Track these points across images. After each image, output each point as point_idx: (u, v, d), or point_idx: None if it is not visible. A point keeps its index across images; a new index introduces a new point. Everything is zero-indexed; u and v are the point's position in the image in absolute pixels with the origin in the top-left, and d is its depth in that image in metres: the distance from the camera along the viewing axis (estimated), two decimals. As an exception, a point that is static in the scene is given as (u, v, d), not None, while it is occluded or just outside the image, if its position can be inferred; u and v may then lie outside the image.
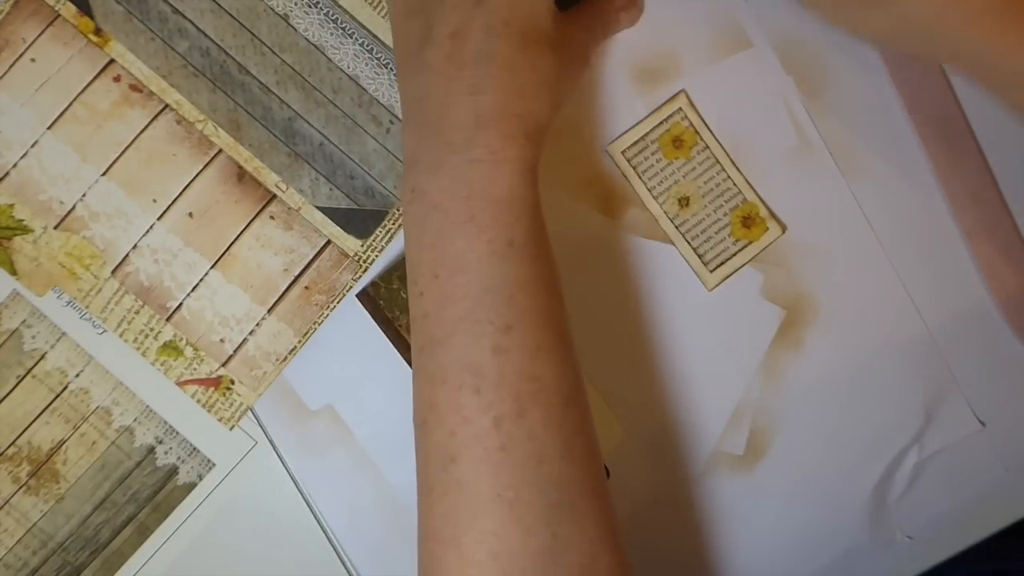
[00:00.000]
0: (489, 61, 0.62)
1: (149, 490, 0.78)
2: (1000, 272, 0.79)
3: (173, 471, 0.78)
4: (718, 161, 0.77)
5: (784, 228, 0.78)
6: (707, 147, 0.77)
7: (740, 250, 0.78)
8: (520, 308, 0.62)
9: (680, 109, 0.77)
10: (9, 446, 0.77)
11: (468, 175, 0.62)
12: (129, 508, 0.78)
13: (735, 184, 0.77)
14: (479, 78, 0.62)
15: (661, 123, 0.77)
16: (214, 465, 0.78)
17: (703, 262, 0.78)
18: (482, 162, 0.62)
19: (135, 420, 0.77)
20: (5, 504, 0.77)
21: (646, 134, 0.77)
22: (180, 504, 0.78)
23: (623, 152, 0.77)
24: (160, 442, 0.77)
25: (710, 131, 0.77)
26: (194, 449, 0.78)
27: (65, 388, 0.77)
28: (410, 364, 0.74)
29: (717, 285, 0.78)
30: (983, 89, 0.66)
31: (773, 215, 0.78)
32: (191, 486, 0.78)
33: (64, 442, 0.77)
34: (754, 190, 0.78)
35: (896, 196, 0.78)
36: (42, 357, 0.76)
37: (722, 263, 0.78)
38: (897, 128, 0.78)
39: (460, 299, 0.62)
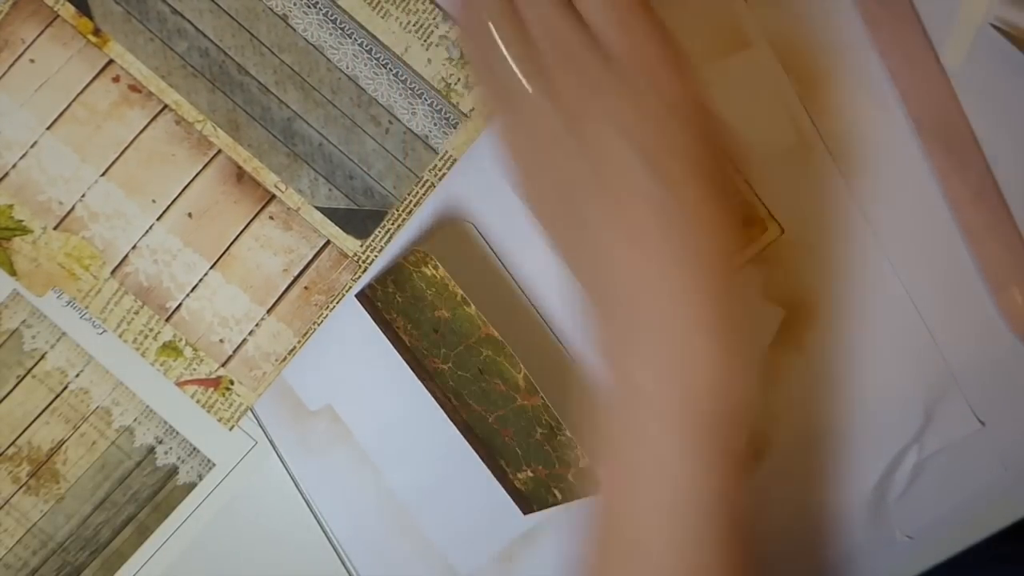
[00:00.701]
0: (680, 215, 0.56)
1: (149, 490, 0.78)
2: (1000, 271, 0.79)
3: (173, 471, 0.78)
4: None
5: (783, 229, 0.78)
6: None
7: (739, 250, 0.78)
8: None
9: (679, 109, 0.77)
10: (9, 446, 0.77)
11: (674, 474, 0.57)
12: (129, 508, 0.78)
13: (733, 184, 0.78)
14: (666, 236, 0.57)
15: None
16: (214, 465, 0.78)
17: (702, 262, 0.78)
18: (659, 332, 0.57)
19: (135, 420, 0.77)
20: (5, 504, 0.77)
21: (645, 134, 0.77)
22: (180, 504, 0.79)
23: (622, 152, 0.77)
24: (160, 442, 0.78)
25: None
26: (194, 449, 0.78)
27: (65, 388, 0.77)
28: (409, 365, 0.75)
29: (716, 285, 0.78)
30: None
31: (772, 215, 0.78)
32: (191, 486, 0.78)
33: (64, 442, 0.77)
34: (753, 190, 0.78)
35: (896, 196, 0.78)
36: (42, 357, 0.77)
37: (721, 263, 0.78)
38: (897, 128, 0.79)
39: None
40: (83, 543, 0.78)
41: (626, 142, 0.56)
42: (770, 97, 0.78)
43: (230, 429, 0.77)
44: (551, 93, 0.58)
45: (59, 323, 0.76)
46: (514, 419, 0.75)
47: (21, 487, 0.77)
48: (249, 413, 0.77)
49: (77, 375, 0.77)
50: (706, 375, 0.56)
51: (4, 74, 0.74)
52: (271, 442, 0.78)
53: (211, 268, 0.75)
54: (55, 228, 0.74)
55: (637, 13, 0.58)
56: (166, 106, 0.74)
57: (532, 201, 0.64)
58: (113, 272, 0.75)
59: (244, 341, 0.76)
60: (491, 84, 0.62)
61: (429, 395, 0.76)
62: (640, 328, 0.57)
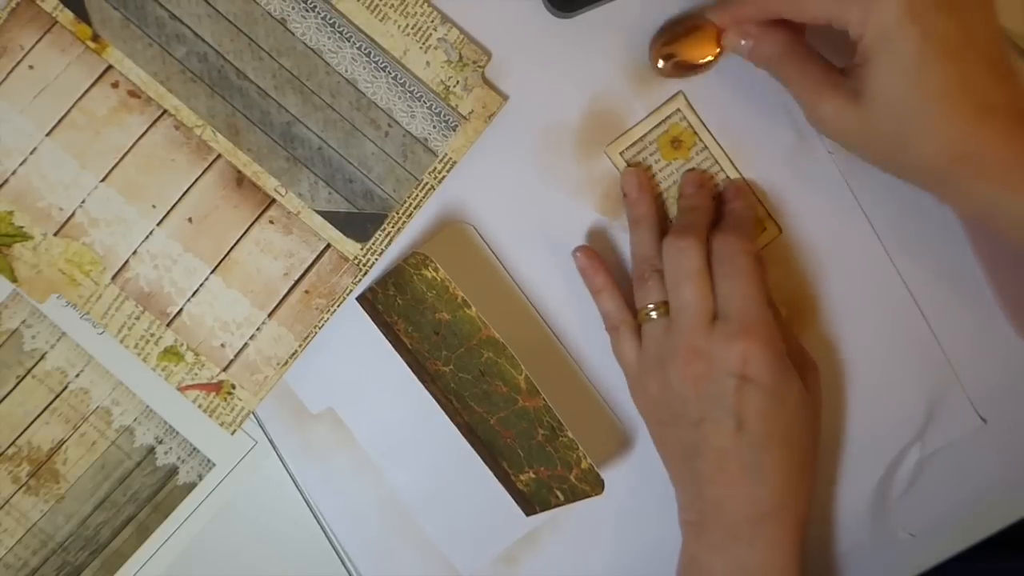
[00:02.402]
0: (758, 471, 0.73)
1: (149, 490, 0.80)
2: (1002, 269, 0.81)
3: (173, 471, 0.80)
4: (717, 162, 0.79)
5: (780, 228, 0.80)
6: (706, 147, 0.79)
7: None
8: None
9: (678, 110, 0.79)
10: (9, 446, 0.79)
11: (747, 562, 0.74)
12: (129, 508, 0.80)
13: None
14: (754, 487, 0.73)
15: (660, 124, 0.79)
16: (214, 465, 0.80)
17: (703, 263, 0.80)
18: (761, 551, 0.73)
19: (135, 420, 0.79)
20: (5, 504, 0.79)
21: (645, 135, 0.79)
22: (180, 504, 0.80)
23: (622, 153, 0.79)
24: (160, 442, 0.79)
25: (708, 132, 0.79)
26: (194, 449, 0.80)
27: (65, 388, 0.78)
28: (411, 367, 0.77)
29: (717, 285, 0.80)
30: (992, 232, 0.71)
31: (771, 215, 0.80)
32: (191, 486, 0.80)
33: (64, 442, 0.79)
34: (752, 190, 0.80)
35: (897, 194, 0.79)
36: (42, 357, 0.78)
37: (722, 263, 0.80)
38: None
39: None
40: (83, 543, 0.80)
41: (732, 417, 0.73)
42: (769, 97, 0.79)
43: (232, 433, 0.78)
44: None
45: (59, 323, 0.78)
46: (516, 421, 0.76)
47: (21, 487, 0.79)
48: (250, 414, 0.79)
49: (77, 375, 0.78)
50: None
51: (3, 80, 0.75)
52: (273, 445, 0.80)
53: (212, 273, 0.77)
54: (55, 234, 0.76)
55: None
56: (165, 111, 0.76)
57: (659, 448, 0.79)
58: (114, 278, 0.76)
59: (245, 345, 0.77)
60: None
61: (431, 397, 0.78)
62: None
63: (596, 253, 0.79)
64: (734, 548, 0.73)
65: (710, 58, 0.76)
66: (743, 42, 0.74)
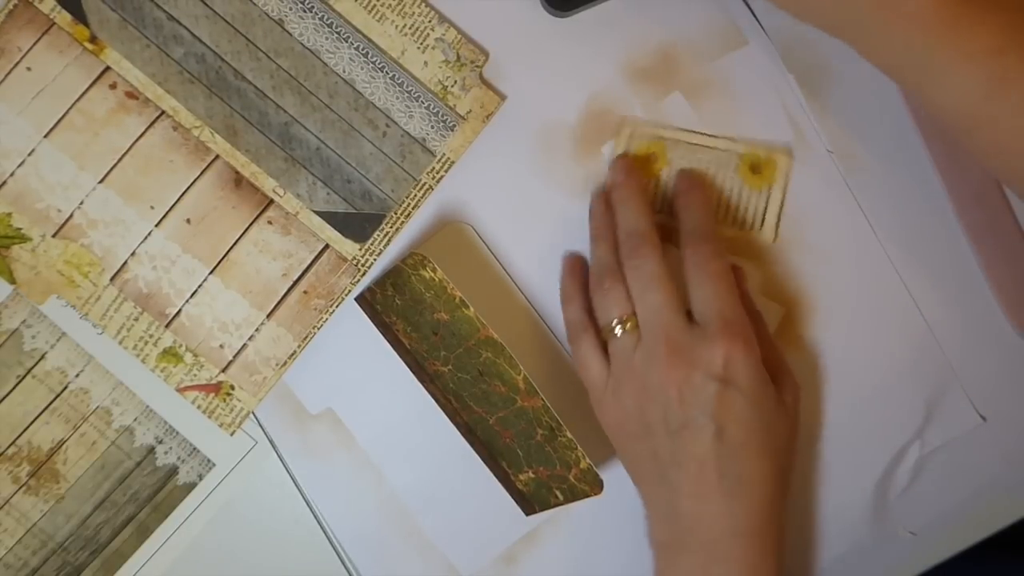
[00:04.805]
0: (736, 482, 0.71)
1: (149, 490, 0.80)
2: (1001, 268, 0.81)
3: (173, 471, 0.80)
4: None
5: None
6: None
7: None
8: None
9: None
10: (9, 446, 0.79)
11: None
12: (129, 508, 0.80)
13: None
14: (731, 500, 0.71)
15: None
16: (214, 465, 0.80)
17: (702, 262, 0.80)
18: (738, 572, 0.71)
19: (135, 420, 0.79)
20: (5, 504, 0.79)
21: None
22: (180, 504, 0.81)
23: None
24: (160, 442, 0.80)
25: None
26: (194, 449, 0.80)
27: (65, 388, 0.79)
28: (410, 368, 0.77)
29: (716, 285, 0.80)
30: (902, 87, 0.71)
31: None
32: (191, 486, 0.81)
33: (64, 442, 0.79)
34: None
35: (897, 193, 0.80)
36: (42, 357, 0.79)
37: (721, 262, 0.81)
38: (899, 125, 0.80)
39: None
40: (83, 543, 0.80)
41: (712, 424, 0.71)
42: (766, 95, 0.80)
43: (231, 434, 0.79)
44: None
45: (59, 323, 0.78)
46: (515, 421, 0.77)
47: (21, 487, 0.79)
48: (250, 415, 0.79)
49: (77, 375, 0.79)
50: None
51: (1, 82, 0.76)
52: (273, 445, 0.80)
53: (210, 274, 0.77)
54: (54, 235, 0.76)
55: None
56: (163, 112, 0.76)
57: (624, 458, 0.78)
58: (112, 279, 0.77)
59: (244, 346, 0.78)
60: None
61: (430, 397, 0.78)
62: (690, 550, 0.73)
63: (582, 263, 0.79)
64: (712, 570, 0.72)
65: None
66: None
